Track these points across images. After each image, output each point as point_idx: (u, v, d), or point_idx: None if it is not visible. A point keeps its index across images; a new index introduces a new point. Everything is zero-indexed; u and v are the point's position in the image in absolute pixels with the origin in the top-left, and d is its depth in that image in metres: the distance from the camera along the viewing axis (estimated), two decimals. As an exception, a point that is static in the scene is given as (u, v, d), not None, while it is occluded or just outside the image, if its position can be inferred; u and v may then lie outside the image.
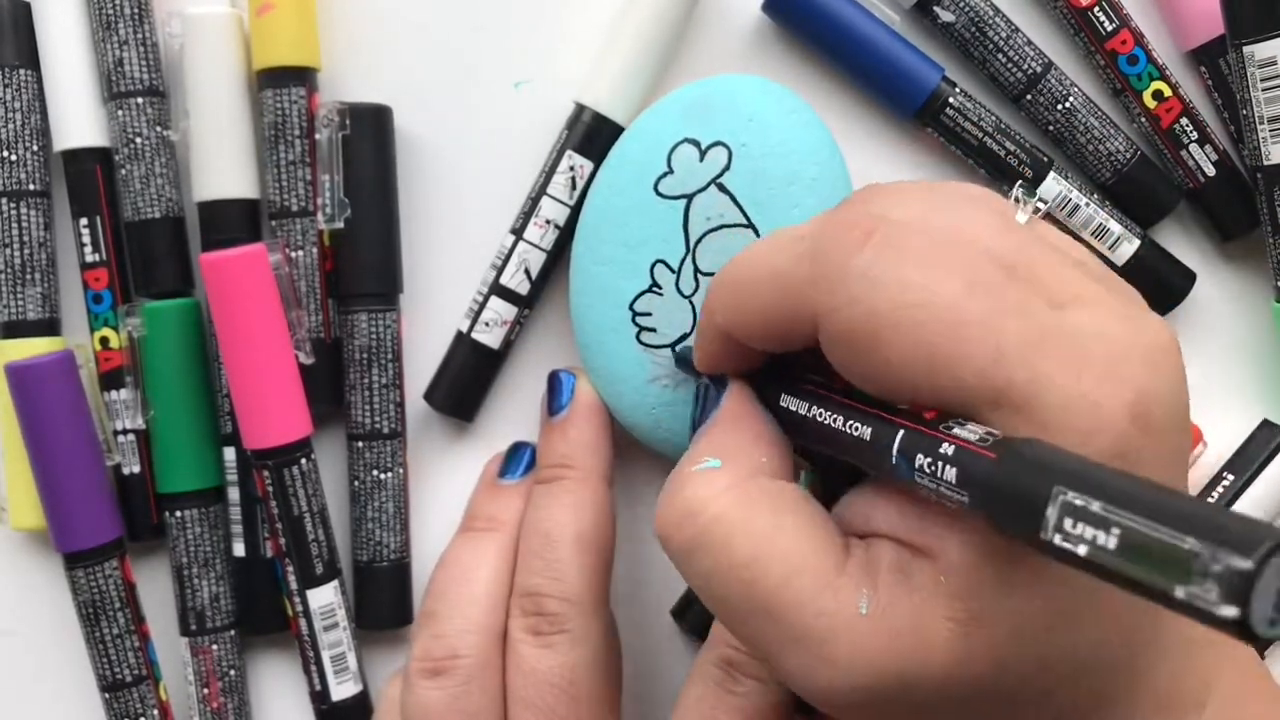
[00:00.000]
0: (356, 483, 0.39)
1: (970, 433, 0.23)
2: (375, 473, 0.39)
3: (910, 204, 0.26)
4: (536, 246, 0.38)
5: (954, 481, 0.23)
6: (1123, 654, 0.26)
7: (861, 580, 0.26)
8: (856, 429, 0.26)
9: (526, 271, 0.38)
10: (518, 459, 0.38)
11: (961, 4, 0.38)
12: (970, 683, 0.24)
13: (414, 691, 0.35)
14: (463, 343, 0.39)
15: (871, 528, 0.27)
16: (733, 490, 0.27)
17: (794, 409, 0.29)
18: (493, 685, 0.35)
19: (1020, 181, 0.38)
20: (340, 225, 0.38)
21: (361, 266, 0.39)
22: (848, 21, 0.38)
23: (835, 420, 0.27)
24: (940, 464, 0.23)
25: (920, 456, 0.24)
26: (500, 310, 0.39)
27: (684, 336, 0.36)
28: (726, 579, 0.26)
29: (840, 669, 0.25)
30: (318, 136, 0.38)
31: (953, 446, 0.23)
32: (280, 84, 0.38)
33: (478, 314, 0.39)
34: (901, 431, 0.25)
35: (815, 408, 0.28)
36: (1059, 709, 0.26)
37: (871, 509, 0.27)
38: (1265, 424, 0.40)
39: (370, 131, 0.38)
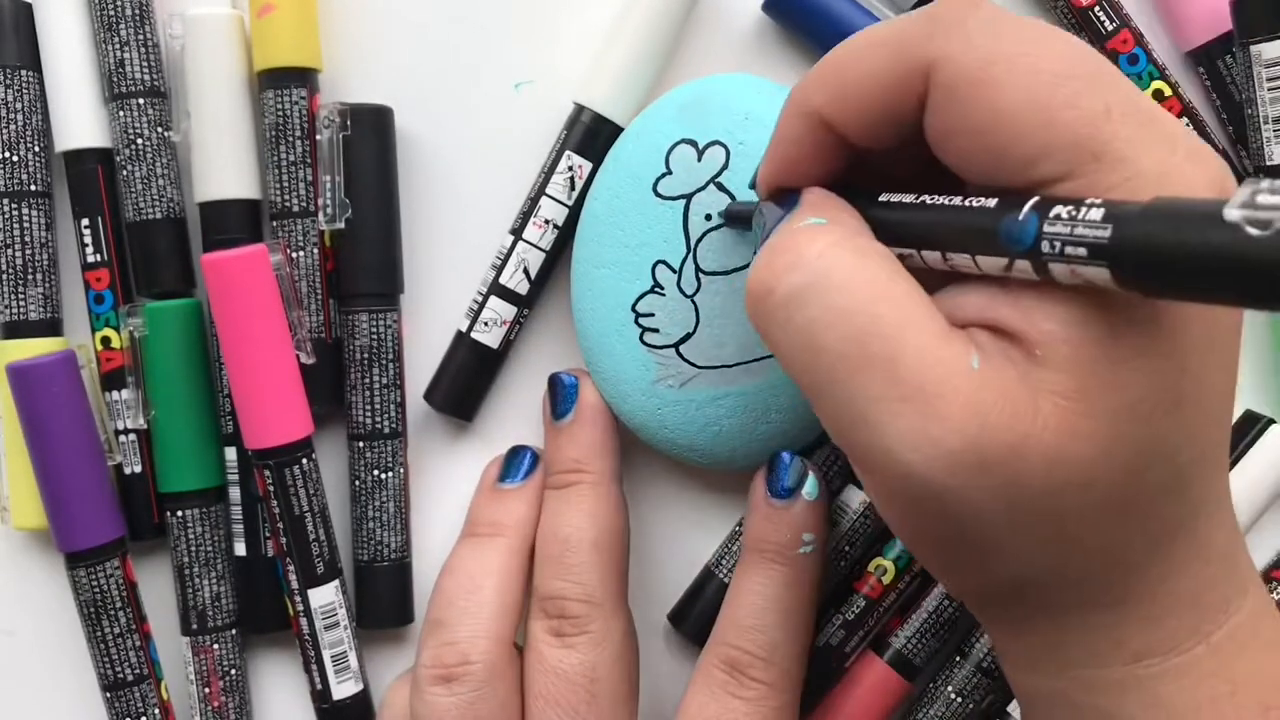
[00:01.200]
0: (357, 482, 0.39)
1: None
2: (376, 472, 0.39)
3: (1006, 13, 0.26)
4: (535, 247, 0.38)
5: (1099, 239, 0.22)
6: (1205, 478, 0.26)
7: (969, 344, 0.25)
8: (977, 202, 0.25)
9: (526, 271, 0.38)
10: (517, 463, 0.38)
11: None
12: (1075, 468, 0.24)
13: (425, 698, 0.35)
14: (462, 342, 0.39)
15: (963, 317, 0.26)
16: (844, 242, 0.26)
17: (898, 200, 0.28)
18: (503, 691, 0.35)
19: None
20: (341, 225, 0.38)
21: (363, 266, 0.39)
22: (848, 21, 0.38)
23: (950, 200, 0.26)
24: (1078, 224, 0.22)
25: (1060, 212, 0.23)
26: (499, 310, 0.39)
27: (687, 336, 0.36)
28: (835, 327, 0.25)
29: (951, 426, 0.24)
30: (319, 137, 0.38)
31: (1099, 202, 0.22)
32: (281, 85, 0.38)
33: (477, 314, 0.39)
34: (1035, 197, 0.24)
35: (924, 197, 0.27)
36: (1146, 522, 0.25)
37: (963, 300, 0.26)
38: (1248, 414, 0.40)
39: (371, 132, 0.38)
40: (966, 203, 0.25)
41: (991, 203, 0.25)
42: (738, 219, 0.35)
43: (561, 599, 0.35)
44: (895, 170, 0.29)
